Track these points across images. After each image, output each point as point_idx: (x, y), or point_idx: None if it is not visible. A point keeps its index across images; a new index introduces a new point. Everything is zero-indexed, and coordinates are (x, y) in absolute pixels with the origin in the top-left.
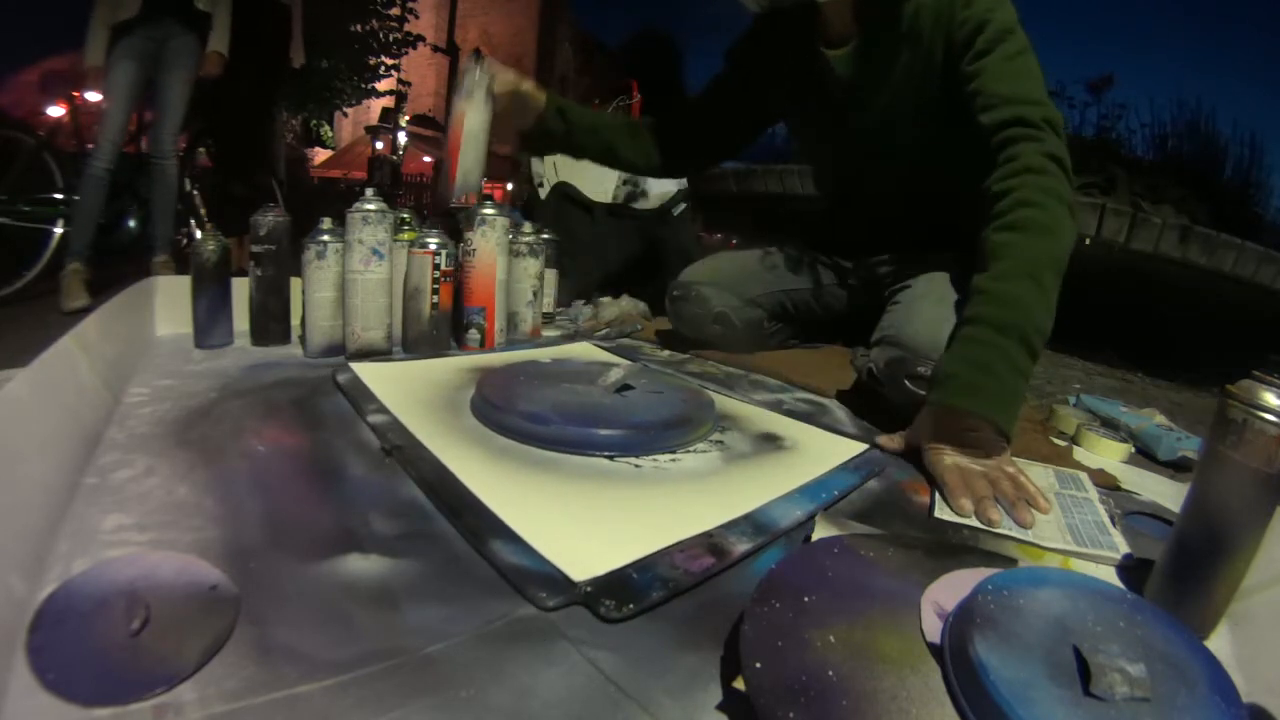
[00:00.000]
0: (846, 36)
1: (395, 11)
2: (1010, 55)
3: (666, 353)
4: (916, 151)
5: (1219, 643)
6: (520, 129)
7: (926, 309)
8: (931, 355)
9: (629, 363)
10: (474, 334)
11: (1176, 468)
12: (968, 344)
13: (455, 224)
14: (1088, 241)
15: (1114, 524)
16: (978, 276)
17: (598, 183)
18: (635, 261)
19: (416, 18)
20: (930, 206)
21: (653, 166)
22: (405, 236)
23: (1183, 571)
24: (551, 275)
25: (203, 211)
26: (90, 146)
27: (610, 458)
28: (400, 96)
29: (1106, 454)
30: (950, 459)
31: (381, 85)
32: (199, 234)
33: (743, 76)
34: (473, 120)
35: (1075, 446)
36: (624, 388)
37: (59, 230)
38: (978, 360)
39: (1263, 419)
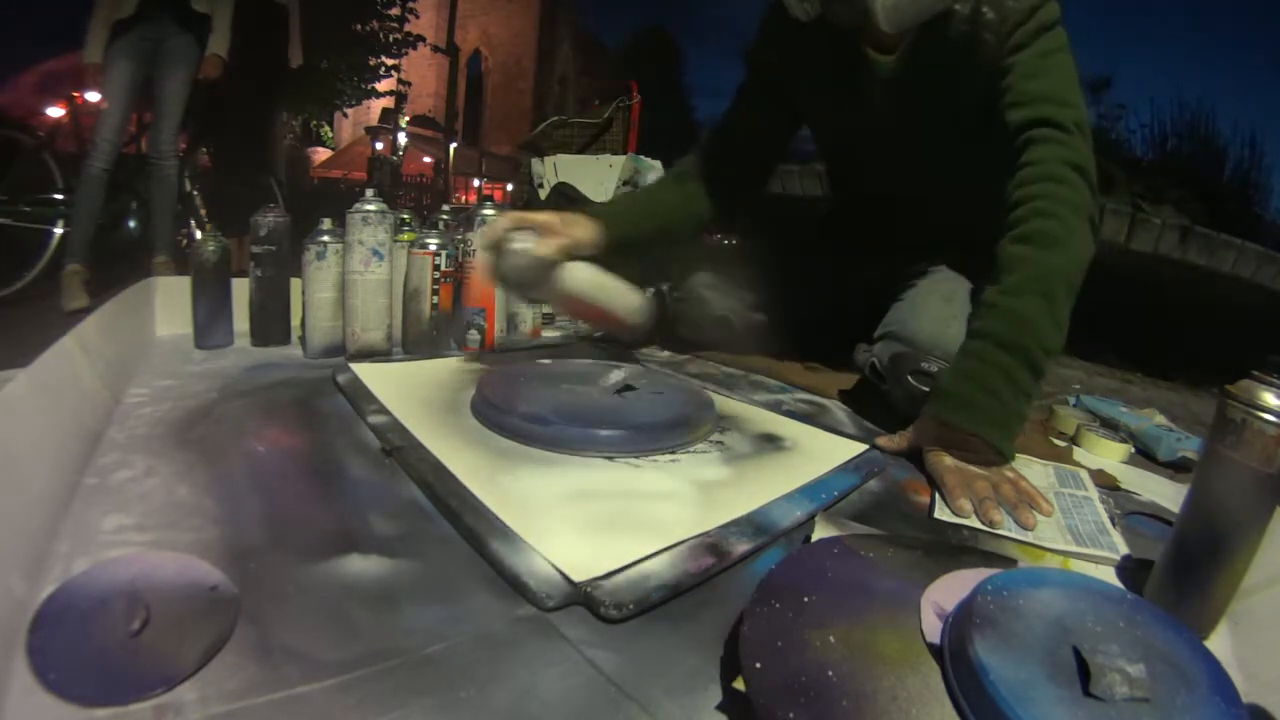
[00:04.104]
0: (896, 42)
1: (395, 11)
2: (1046, 51)
3: (666, 354)
4: (948, 154)
5: (1219, 643)
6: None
7: (932, 306)
8: (934, 351)
9: (629, 364)
10: (474, 334)
11: (1176, 468)
12: (971, 360)
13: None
14: None
15: (1114, 524)
16: (988, 289)
17: (598, 183)
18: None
19: (417, 18)
20: (948, 208)
21: (710, 219)
22: (405, 237)
23: (1183, 571)
24: None
25: (203, 212)
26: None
27: (610, 458)
28: (400, 97)
29: (1106, 454)
30: (951, 460)
31: (381, 85)
32: (199, 234)
33: (771, 80)
34: (577, 284)
35: (1075, 446)
36: (625, 389)
37: (59, 230)
38: (979, 378)
39: (1262, 419)
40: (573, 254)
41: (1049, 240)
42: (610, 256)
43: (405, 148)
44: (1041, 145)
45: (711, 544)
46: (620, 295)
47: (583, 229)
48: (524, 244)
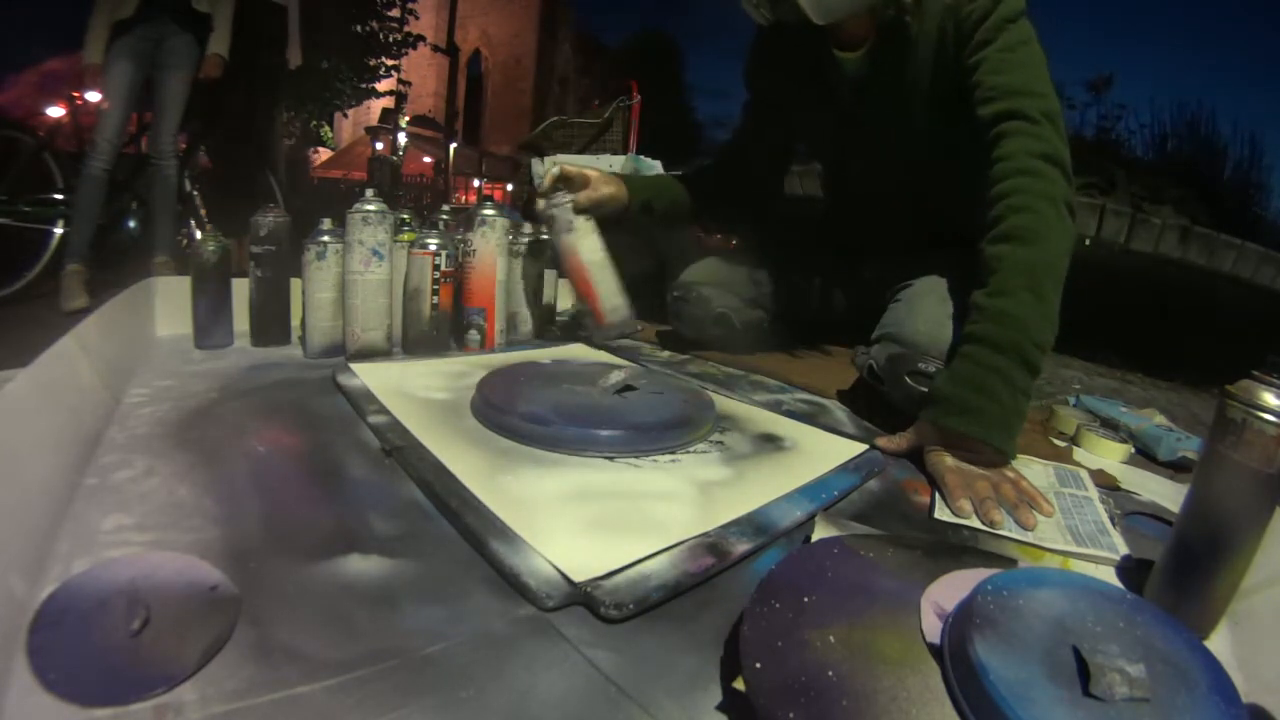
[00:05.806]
0: (860, 39)
1: (395, 12)
2: (1011, 45)
3: (666, 354)
4: (926, 152)
5: (1219, 643)
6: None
7: (928, 306)
8: (932, 352)
9: (629, 364)
10: (474, 334)
11: (1176, 468)
12: (965, 364)
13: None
14: (1087, 242)
15: (1114, 524)
16: (975, 292)
17: None
18: (635, 262)
19: (416, 18)
20: (936, 206)
21: (712, 218)
22: (405, 237)
23: (1183, 571)
24: (551, 275)
25: (203, 212)
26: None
27: (610, 458)
28: (400, 97)
29: (1106, 454)
30: (951, 460)
31: (381, 85)
32: (199, 234)
33: (765, 94)
34: (586, 251)
35: (1075, 447)
36: (625, 389)
37: (59, 230)
38: (975, 382)
39: (1262, 419)
40: (599, 207)
41: (1028, 235)
42: (632, 217)
43: (405, 148)
44: (1011, 139)
45: (711, 544)
46: (610, 289)
47: (612, 186)
48: (565, 196)
